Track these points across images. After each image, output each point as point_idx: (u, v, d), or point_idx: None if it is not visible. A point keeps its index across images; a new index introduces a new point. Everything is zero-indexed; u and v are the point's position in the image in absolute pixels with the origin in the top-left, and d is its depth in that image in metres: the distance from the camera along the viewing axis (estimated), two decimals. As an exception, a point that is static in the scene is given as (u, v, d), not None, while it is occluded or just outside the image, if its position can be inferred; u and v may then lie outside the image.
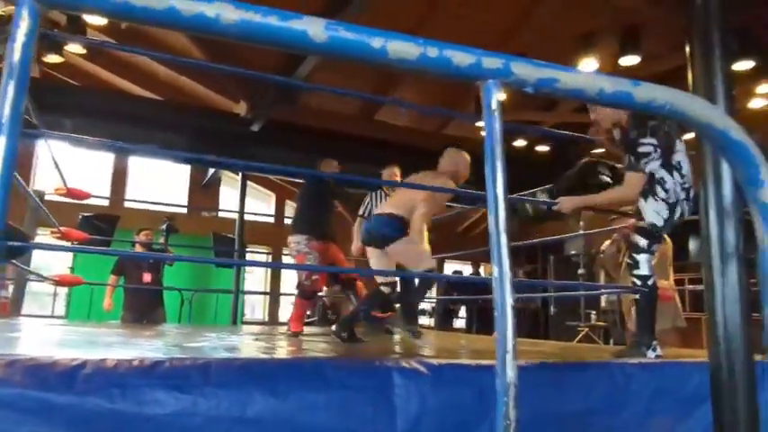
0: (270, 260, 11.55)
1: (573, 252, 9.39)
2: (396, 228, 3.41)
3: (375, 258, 3.61)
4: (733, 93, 1.77)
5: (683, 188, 2.49)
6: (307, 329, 4.60)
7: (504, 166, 0.58)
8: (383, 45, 0.55)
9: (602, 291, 5.88)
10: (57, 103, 6.44)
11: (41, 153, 9.55)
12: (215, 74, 7.95)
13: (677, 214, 2.49)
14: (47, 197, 5.17)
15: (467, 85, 0.61)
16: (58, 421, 1.31)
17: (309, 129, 7.77)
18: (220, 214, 10.76)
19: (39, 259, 8.43)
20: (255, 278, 11.75)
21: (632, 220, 2.93)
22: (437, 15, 7.04)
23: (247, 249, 7.03)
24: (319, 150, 6.80)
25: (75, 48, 6.92)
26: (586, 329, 7.64)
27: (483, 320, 9.77)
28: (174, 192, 11.11)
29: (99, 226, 6.31)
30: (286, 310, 9.60)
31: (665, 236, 3.21)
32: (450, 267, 11.95)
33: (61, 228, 3.54)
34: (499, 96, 0.58)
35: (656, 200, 2.49)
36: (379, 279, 3.58)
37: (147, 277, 5.70)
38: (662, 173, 2.50)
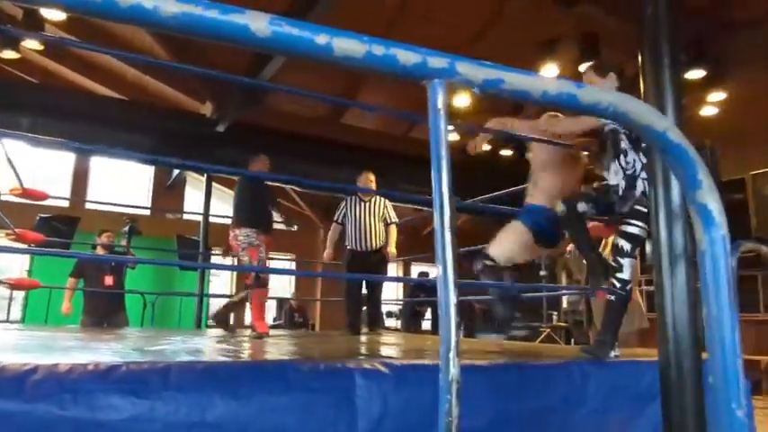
0: (235, 263, 11.36)
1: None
2: None
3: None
4: (683, 101, 1.83)
5: (644, 166, 2.50)
6: (273, 332, 4.56)
7: (450, 165, 0.59)
8: (328, 42, 0.55)
9: (571, 292, 5.99)
10: (12, 102, 6.21)
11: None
12: (181, 74, 7.82)
13: (638, 190, 2.49)
14: (2, 197, 4.99)
15: (413, 85, 0.61)
16: (6, 429, 1.27)
17: (276, 130, 7.69)
18: (185, 216, 10.55)
19: (-7, 262, 8.14)
20: (221, 281, 11.57)
21: (599, 224, 2.99)
22: (406, 18, 7.08)
23: (212, 252, 6.90)
24: (285, 152, 6.75)
25: (32, 44, 6.71)
26: (548, 330, 7.79)
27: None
28: (137, 193, 10.86)
29: (58, 227, 6.14)
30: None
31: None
32: (416, 269, 12.00)
33: (17, 229, 3.43)
34: (445, 96, 0.59)
35: (618, 164, 2.56)
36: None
37: (108, 280, 5.56)
38: (625, 144, 2.56)
